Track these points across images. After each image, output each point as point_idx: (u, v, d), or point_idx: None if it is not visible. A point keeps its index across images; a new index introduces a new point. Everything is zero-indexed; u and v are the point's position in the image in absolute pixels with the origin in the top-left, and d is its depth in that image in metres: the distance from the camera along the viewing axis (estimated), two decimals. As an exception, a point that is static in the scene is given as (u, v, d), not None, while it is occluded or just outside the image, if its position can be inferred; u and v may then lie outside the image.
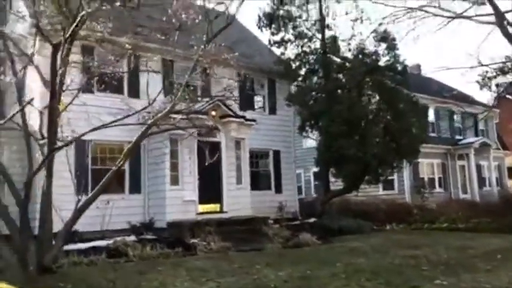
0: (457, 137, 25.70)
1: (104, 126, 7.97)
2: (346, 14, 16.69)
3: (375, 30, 16.18)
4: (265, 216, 14.07)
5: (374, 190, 20.57)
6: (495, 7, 15.96)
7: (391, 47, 16.66)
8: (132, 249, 10.14)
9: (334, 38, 17.56)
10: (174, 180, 13.50)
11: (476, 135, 26.60)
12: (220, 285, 7.27)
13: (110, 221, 12.12)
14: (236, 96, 13.57)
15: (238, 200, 14.38)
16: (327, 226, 14.71)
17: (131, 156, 8.11)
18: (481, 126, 27.47)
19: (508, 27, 16.01)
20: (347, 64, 16.82)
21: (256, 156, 16.81)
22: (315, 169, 22.91)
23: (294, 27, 17.40)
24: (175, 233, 12.19)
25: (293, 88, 17.87)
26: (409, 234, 14.58)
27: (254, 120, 15.47)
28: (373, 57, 16.68)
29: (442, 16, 12.99)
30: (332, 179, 18.41)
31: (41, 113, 8.29)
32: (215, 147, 14.00)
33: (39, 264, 6.97)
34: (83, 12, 6.25)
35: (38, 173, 7.44)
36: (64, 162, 9.09)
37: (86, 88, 9.02)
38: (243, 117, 15.08)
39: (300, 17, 17.62)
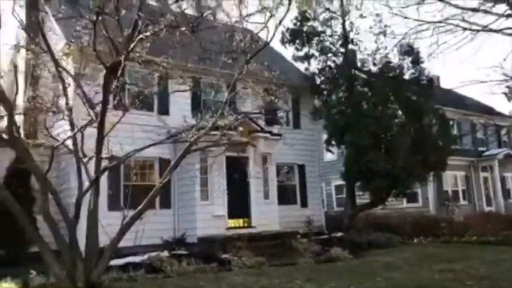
0: (480, 149, 25.54)
1: (152, 145, 8.15)
2: (370, 28, 16.85)
3: (399, 44, 16.26)
4: (294, 231, 14.11)
5: (398, 203, 20.43)
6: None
7: (416, 60, 16.76)
8: (168, 265, 10.23)
9: (357, 52, 17.73)
10: (204, 196, 13.66)
11: (500, 146, 26.41)
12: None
13: (142, 236, 12.26)
14: (264, 111, 13.73)
15: (266, 214, 14.44)
16: (355, 240, 14.64)
17: (171, 172, 8.22)
18: (504, 137, 27.27)
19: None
20: (372, 78, 16.92)
21: (282, 171, 16.90)
22: (337, 182, 22.93)
23: (318, 43, 17.60)
24: (207, 248, 12.28)
25: (317, 102, 17.99)
26: (439, 248, 14.42)
27: (280, 135, 15.54)
28: (398, 70, 16.77)
29: (470, 29, 13.01)
30: (357, 192, 18.42)
31: (80, 131, 8.43)
32: (243, 162, 14.18)
33: (87, 280, 7.11)
34: (140, 36, 6.49)
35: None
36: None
37: (122, 106, 9.21)
38: (270, 132, 15.19)
39: (324, 32, 17.84)
